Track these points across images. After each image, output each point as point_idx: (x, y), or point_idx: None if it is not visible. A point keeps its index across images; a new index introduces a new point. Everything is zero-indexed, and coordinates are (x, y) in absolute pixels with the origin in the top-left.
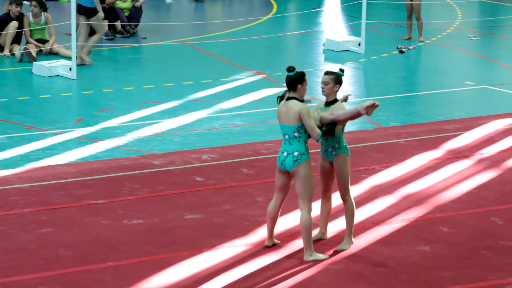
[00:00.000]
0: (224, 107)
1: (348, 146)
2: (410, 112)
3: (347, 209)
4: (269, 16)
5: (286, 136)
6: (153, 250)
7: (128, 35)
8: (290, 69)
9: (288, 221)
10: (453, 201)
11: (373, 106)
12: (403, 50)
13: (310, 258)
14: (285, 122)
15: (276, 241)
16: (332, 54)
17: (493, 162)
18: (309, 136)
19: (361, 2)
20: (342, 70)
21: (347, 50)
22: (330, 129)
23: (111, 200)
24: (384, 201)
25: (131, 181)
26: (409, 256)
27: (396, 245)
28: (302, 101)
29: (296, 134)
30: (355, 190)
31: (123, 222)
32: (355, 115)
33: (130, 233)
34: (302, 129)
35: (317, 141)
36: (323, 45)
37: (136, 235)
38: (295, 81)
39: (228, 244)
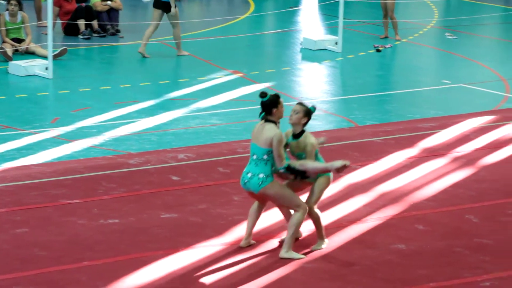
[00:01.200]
0: (201, 106)
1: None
2: (387, 110)
3: (314, 219)
4: (246, 15)
5: (254, 157)
6: (129, 249)
7: (105, 34)
8: (263, 95)
9: (264, 220)
10: (428, 199)
11: (343, 167)
12: (380, 49)
13: (286, 255)
14: (256, 142)
15: (251, 241)
16: (309, 53)
17: (468, 160)
18: None
19: (338, 1)
20: (314, 108)
21: (324, 49)
22: (301, 173)
23: (87, 199)
24: (360, 200)
25: (107, 181)
26: (385, 254)
27: (372, 243)
28: (274, 123)
29: (265, 157)
30: (331, 189)
31: (99, 222)
32: (325, 171)
33: (106, 232)
34: (272, 154)
35: (279, 170)
36: (300, 44)
37: (112, 235)
38: (270, 106)
39: (204, 243)
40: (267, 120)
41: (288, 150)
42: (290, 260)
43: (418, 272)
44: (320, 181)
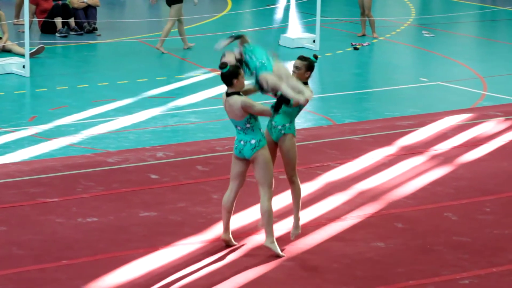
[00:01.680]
0: (179, 104)
1: (300, 141)
2: (365, 108)
3: (294, 191)
4: (224, 13)
5: (239, 128)
6: (108, 248)
7: (82, 32)
8: (222, 66)
9: (243, 218)
10: (407, 197)
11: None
12: (358, 47)
13: (270, 245)
14: (233, 117)
15: (233, 241)
16: (287, 51)
17: (446, 158)
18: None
19: None
20: (316, 57)
21: (302, 47)
22: (283, 99)
23: (65, 198)
24: (338, 198)
25: (86, 179)
26: (364, 252)
27: (351, 241)
28: (240, 94)
29: (248, 125)
30: (310, 187)
31: (77, 220)
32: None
33: (85, 231)
34: (252, 118)
35: (274, 116)
36: (278, 42)
37: (91, 233)
38: (230, 77)
39: (184, 241)
40: (228, 94)
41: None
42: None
43: (397, 270)
44: (287, 146)
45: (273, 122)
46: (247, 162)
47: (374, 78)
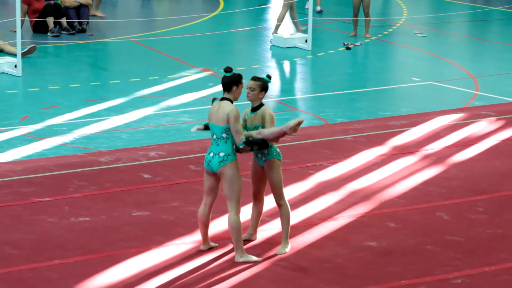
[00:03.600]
0: (171, 104)
1: (280, 152)
2: (357, 108)
3: (282, 214)
4: (216, 13)
5: (214, 136)
6: (100, 247)
7: (74, 32)
8: (228, 69)
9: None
10: (399, 197)
11: (298, 124)
12: (350, 46)
13: (241, 259)
14: (214, 121)
15: (212, 244)
16: (279, 50)
17: (438, 157)
18: None
19: None
20: (269, 77)
21: (294, 47)
22: (259, 143)
23: (57, 197)
24: (331, 197)
25: (78, 179)
26: (356, 252)
27: (343, 241)
28: (230, 101)
29: (224, 135)
30: (302, 187)
31: (69, 220)
32: (281, 135)
33: (77, 230)
34: (230, 131)
35: (239, 146)
36: (270, 41)
37: (83, 233)
38: (231, 83)
39: (176, 241)
40: (223, 99)
41: (246, 127)
42: (246, 262)
43: (389, 269)
44: (273, 171)
45: (255, 152)
46: (216, 176)
47: (367, 78)
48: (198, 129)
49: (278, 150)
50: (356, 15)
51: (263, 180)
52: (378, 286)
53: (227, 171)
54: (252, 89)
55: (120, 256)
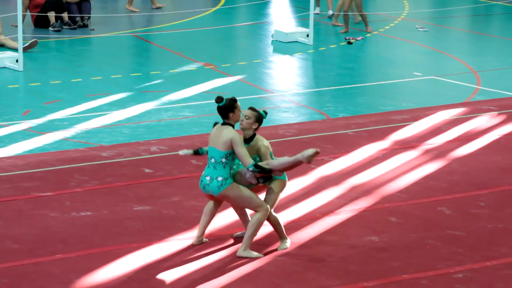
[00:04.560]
0: (173, 98)
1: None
2: (359, 103)
3: (272, 223)
4: (218, 7)
5: (212, 160)
6: (102, 242)
7: (76, 26)
8: (219, 100)
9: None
10: (401, 191)
11: (315, 155)
12: (351, 41)
13: (243, 254)
14: (214, 145)
15: (204, 239)
16: (281, 45)
17: (440, 152)
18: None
19: None
20: (265, 113)
21: (296, 41)
22: (267, 172)
23: (59, 192)
24: (332, 192)
25: (80, 173)
26: (358, 246)
27: (345, 235)
28: (232, 126)
29: (223, 160)
30: (303, 181)
31: (71, 215)
32: (295, 165)
33: (79, 225)
34: (230, 156)
35: (248, 169)
36: (272, 36)
37: (85, 227)
38: (226, 110)
39: (178, 236)
40: (224, 123)
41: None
42: (262, 252)
43: (391, 264)
44: (275, 183)
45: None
46: (216, 198)
47: (368, 73)
48: (187, 154)
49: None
50: (346, 10)
51: (256, 191)
52: (379, 281)
53: (229, 194)
54: (247, 117)
55: (121, 251)
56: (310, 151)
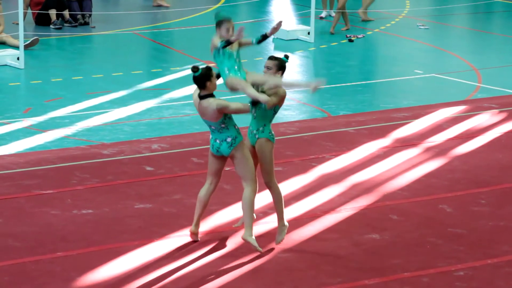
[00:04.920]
0: (174, 96)
1: (275, 136)
2: (360, 100)
3: (274, 196)
4: (219, 5)
5: (213, 127)
6: (103, 240)
7: (77, 24)
8: (194, 69)
9: (239, 211)
10: (402, 189)
11: (319, 85)
12: (352, 39)
13: (249, 239)
14: (208, 119)
15: (197, 238)
16: (282, 43)
17: (441, 150)
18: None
19: None
20: (286, 57)
21: (297, 39)
22: (256, 101)
23: (60, 190)
24: (333, 190)
25: (81, 171)
26: (359, 244)
27: (346, 233)
28: (213, 95)
29: (223, 125)
30: (304, 179)
31: (72, 212)
32: (299, 86)
33: (80, 223)
34: (227, 118)
35: (253, 111)
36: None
37: (86, 225)
38: (202, 80)
39: (178, 233)
40: (201, 97)
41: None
42: (263, 250)
43: (392, 261)
44: (259, 150)
45: (250, 127)
46: (224, 158)
47: (369, 70)
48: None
49: (273, 132)
50: (340, 8)
51: (254, 161)
52: (380, 278)
53: (238, 153)
54: (269, 67)
55: (122, 249)
56: (317, 83)
